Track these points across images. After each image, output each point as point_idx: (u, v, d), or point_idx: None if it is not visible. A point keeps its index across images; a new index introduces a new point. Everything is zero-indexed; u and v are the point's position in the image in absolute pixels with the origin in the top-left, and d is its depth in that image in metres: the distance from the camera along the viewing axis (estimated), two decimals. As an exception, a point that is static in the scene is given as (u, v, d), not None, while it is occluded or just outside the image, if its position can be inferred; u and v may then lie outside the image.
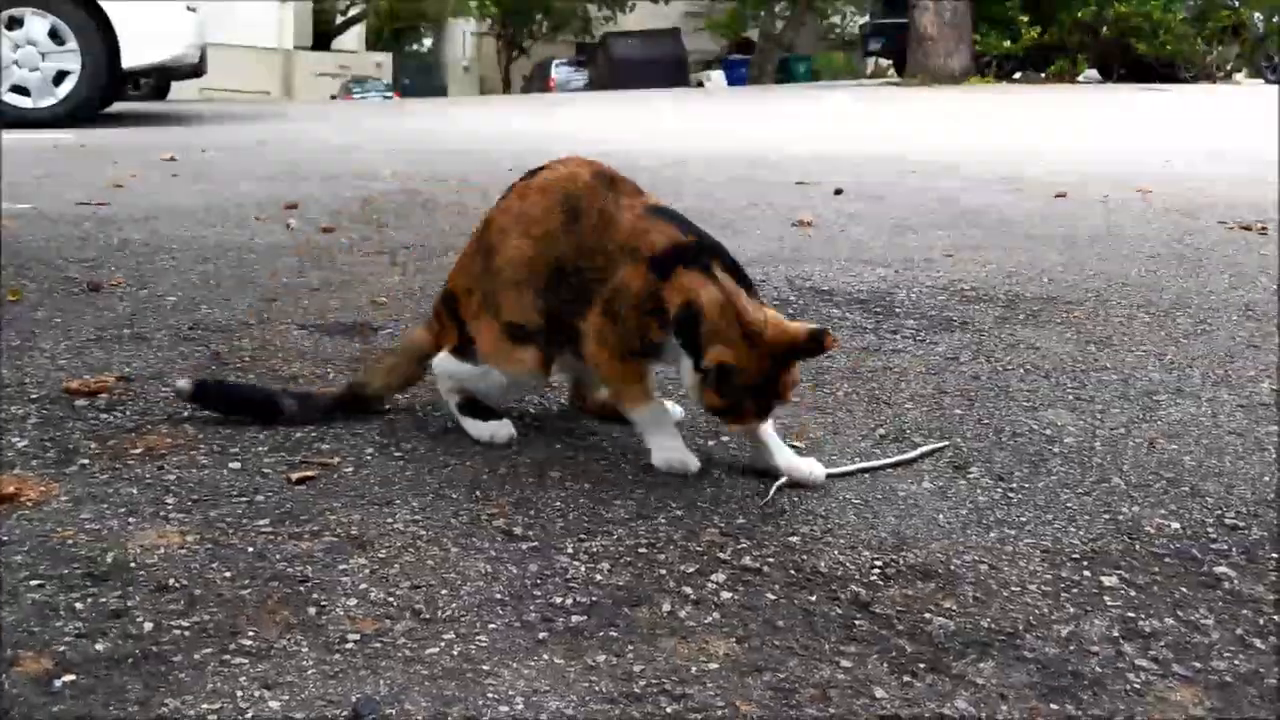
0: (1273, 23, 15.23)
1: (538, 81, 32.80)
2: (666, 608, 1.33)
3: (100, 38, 7.75)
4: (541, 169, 1.80)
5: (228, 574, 1.37)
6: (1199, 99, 12.19)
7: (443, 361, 1.85)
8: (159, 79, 11.14)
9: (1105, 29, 15.24)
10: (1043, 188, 5.15)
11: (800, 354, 1.64)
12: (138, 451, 1.75)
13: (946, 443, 1.87)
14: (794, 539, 1.51)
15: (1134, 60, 15.41)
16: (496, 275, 1.77)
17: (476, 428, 1.84)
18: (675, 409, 1.91)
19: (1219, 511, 1.63)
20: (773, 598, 1.36)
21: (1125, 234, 3.99)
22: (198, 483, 1.63)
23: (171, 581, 1.34)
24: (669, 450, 1.72)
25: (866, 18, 23.16)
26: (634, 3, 34.25)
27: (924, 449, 1.84)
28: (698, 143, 7.63)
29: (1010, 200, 4.81)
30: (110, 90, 8.54)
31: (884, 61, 22.49)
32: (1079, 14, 15.07)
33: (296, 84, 31.39)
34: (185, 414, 1.91)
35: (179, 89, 13.27)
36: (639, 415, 1.75)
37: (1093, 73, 16.01)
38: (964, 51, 15.06)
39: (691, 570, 1.42)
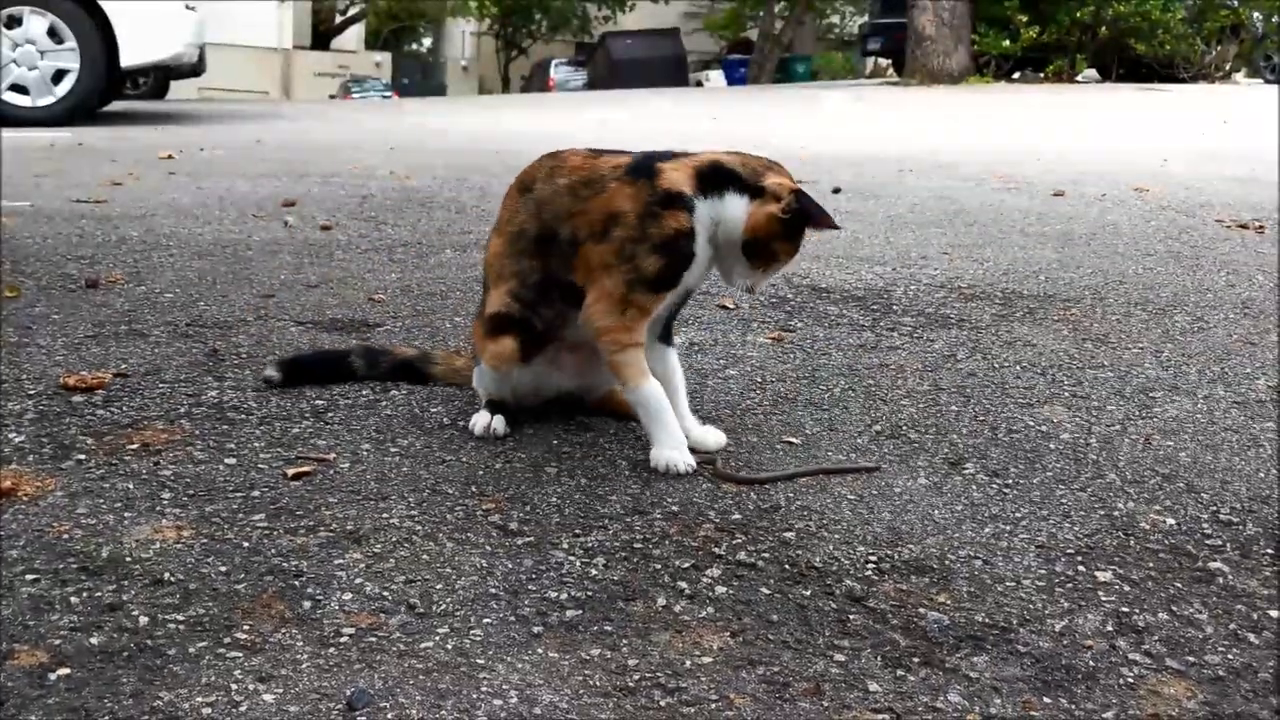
0: (1272, 23, 15.22)
1: (537, 81, 32.76)
2: (661, 602, 1.33)
3: (99, 36, 7.75)
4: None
5: (223, 568, 1.37)
6: (1197, 99, 12.19)
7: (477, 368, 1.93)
8: (158, 78, 11.13)
9: (1104, 29, 15.21)
10: (1040, 186, 5.16)
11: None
12: (134, 447, 1.75)
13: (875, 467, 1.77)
14: (789, 534, 1.51)
15: (1133, 60, 15.40)
16: (485, 282, 1.91)
17: (474, 416, 1.87)
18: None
19: (1214, 507, 1.63)
20: (767, 592, 1.36)
21: (1122, 232, 3.99)
22: (193, 478, 1.64)
23: (167, 576, 1.35)
24: (667, 449, 1.71)
25: (865, 18, 23.14)
26: (633, 3, 34.22)
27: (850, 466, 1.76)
28: (696, 143, 7.63)
29: (1008, 199, 4.81)
30: (109, 89, 8.53)
31: (883, 61, 22.46)
32: (1077, 14, 15.05)
33: (295, 83, 31.39)
34: (182, 410, 1.92)
35: (178, 88, 13.25)
36: (640, 394, 1.71)
37: (1091, 72, 16.00)
38: (962, 51, 15.05)
39: (686, 565, 1.42)
